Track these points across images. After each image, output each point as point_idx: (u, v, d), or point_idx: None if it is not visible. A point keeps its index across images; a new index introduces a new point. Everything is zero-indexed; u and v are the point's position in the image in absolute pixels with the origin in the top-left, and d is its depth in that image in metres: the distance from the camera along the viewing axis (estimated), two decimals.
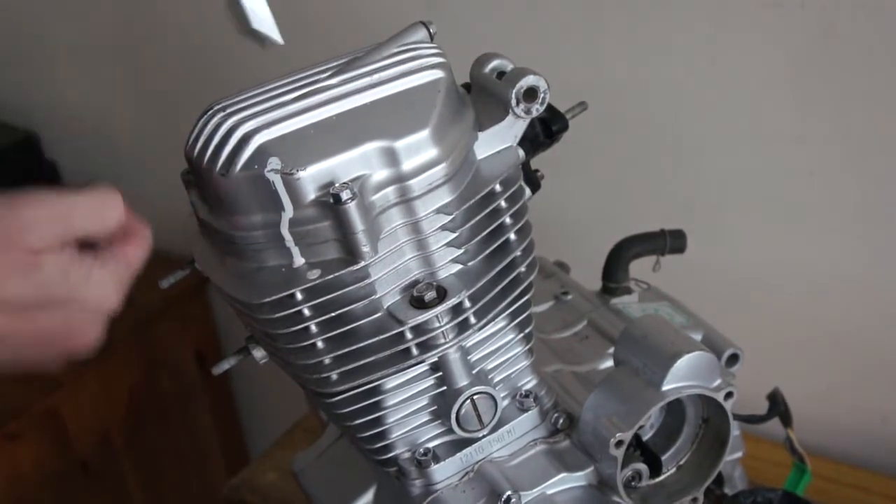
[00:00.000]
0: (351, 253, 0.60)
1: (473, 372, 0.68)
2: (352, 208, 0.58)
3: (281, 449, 1.28)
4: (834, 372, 1.18)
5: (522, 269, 0.68)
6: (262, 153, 0.59)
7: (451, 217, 0.63)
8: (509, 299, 0.68)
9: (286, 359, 0.66)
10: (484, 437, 0.69)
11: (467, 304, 0.64)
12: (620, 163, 1.22)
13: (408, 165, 0.61)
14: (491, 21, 1.23)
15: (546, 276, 0.93)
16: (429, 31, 0.67)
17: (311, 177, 0.59)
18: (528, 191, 0.70)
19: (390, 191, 0.61)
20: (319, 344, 0.64)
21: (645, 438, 0.72)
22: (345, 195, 0.58)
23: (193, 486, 1.82)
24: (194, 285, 1.72)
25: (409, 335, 0.64)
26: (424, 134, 0.61)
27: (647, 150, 1.19)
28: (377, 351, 0.64)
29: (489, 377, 0.69)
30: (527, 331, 0.71)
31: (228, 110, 0.62)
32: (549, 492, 0.69)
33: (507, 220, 0.66)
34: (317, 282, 0.60)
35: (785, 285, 1.17)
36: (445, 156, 0.62)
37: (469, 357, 0.68)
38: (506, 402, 0.71)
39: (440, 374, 0.67)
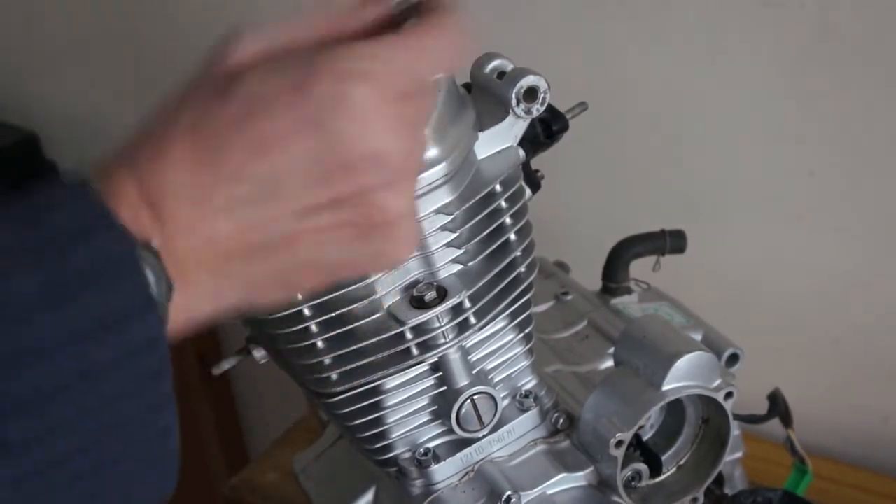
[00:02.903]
0: None
1: (473, 372, 0.68)
2: None
3: (281, 449, 1.27)
4: (834, 372, 1.18)
5: (523, 269, 0.68)
6: None
7: (451, 217, 0.62)
8: (509, 299, 0.68)
9: (286, 359, 0.66)
10: (484, 437, 0.69)
11: (467, 304, 0.64)
12: (621, 163, 1.22)
13: None
14: (491, 21, 1.23)
15: (546, 276, 0.93)
16: None
17: None
18: (528, 191, 0.69)
19: None
20: (319, 344, 0.63)
21: (645, 438, 0.72)
22: None
23: (193, 486, 1.82)
24: None
25: (409, 335, 0.64)
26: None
27: (647, 149, 1.19)
28: (377, 351, 0.64)
29: (489, 377, 0.69)
30: (527, 331, 0.71)
31: None
32: (549, 492, 0.69)
33: (508, 220, 0.66)
34: None
35: (785, 285, 1.16)
36: (445, 155, 0.61)
37: (469, 357, 0.67)
38: (506, 402, 0.71)
39: (440, 374, 0.67)
